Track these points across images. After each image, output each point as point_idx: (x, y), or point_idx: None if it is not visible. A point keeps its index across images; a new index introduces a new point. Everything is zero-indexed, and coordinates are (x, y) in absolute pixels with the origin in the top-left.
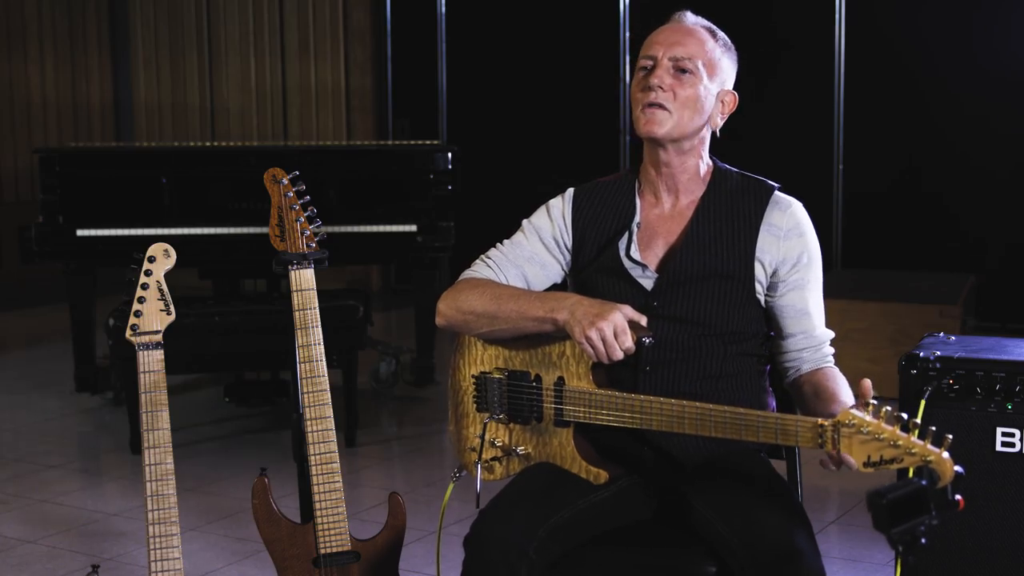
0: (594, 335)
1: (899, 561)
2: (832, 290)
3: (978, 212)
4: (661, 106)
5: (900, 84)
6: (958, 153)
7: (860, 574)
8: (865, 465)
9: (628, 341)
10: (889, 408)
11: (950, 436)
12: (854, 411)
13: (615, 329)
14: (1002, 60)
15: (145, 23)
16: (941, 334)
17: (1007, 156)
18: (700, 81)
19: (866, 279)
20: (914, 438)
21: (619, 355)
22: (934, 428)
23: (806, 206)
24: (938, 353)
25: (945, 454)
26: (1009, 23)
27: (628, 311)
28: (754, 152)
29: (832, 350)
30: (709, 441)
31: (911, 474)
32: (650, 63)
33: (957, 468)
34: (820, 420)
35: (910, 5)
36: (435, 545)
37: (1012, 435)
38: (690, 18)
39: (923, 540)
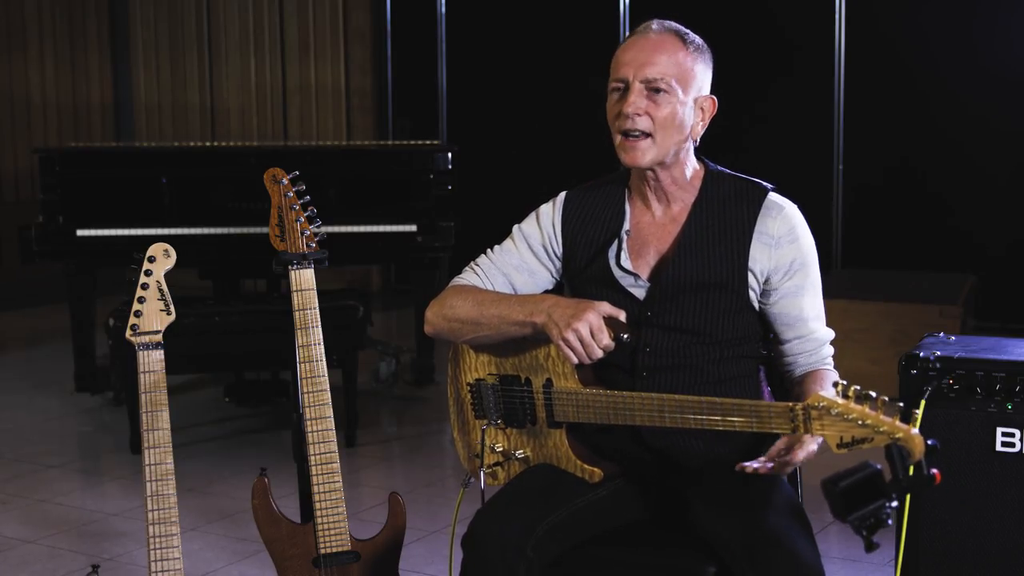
0: (571, 337)
1: (899, 561)
2: (832, 290)
3: (978, 212)
4: (642, 134)
5: (900, 84)
6: (958, 153)
7: (860, 574)
8: (839, 446)
9: (606, 339)
10: (858, 387)
11: (918, 411)
12: (823, 393)
13: (591, 328)
14: (1002, 60)
15: (145, 23)
16: (941, 334)
17: (1007, 156)
18: (675, 98)
19: (866, 279)
20: (882, 416)
21: (598, 354)
22: (901, 404)
23: (806, 206)
24: (938, 353)
25: (914, 430)
26: (1009, 23)
27: (605, 308)
28: (754, 152)
29: (831, 350)
30: (709, 441)
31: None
32: (621, 85)
33: (929, 441)
34: (791, 403)
35: (910, 5)
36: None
37: (1012, 435)
38: (656, 27)
39: (889, 522)
